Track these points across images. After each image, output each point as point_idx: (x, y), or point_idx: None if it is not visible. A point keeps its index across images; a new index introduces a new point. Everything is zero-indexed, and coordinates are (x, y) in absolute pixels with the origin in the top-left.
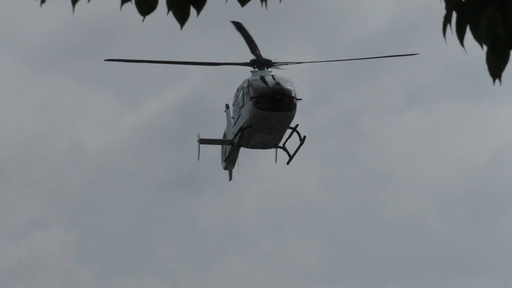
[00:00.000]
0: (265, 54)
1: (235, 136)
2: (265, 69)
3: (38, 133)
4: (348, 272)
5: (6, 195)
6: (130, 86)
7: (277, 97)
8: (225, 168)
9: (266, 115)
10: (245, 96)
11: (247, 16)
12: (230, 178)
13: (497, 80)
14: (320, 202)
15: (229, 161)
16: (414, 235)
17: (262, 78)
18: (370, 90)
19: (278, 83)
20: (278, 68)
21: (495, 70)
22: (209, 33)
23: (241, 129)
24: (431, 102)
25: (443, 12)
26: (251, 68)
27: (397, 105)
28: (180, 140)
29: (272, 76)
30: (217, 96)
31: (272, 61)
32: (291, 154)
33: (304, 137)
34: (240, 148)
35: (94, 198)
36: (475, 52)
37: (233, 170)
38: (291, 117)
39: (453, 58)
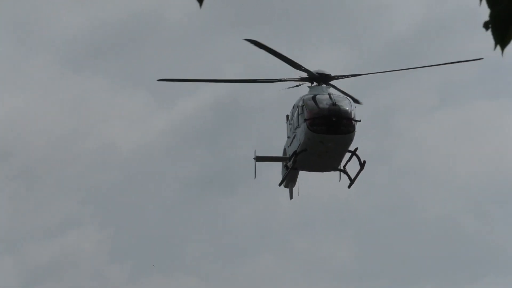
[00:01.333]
0: (300, 58)
1: (289, 160)
2: (323, 85)
3: (72, 131)
4: (381, 272)
5: (40, 193)
6: (164, 85)
7: (334, 119)
8: (286, 186)
9: (321, 138)
10: (299, 116)
11: (277, 18)
12: (291, 197)
13: None
14: (354, 201)
15: (289, 180)
16: (448, 234)
17: (318, 97)
18: (403, 89)
19: (334, 103)
20: (338, 80)
21: None
22: (241, 34)
23: (295, 153)
24: (464, 101)
25: (474, 10)
26: (308, 84)
27: (430, 104)
28: (212, 140)
29: (329, 94)
30: (251, 94)
31: (331, 75)
32: (352, 177)
33: (364, 162)
34: (297, 171)
35: (127, 196)
36: (508, 52)
37: (294, 189)
38: (349, 141)
39: (485, 57)
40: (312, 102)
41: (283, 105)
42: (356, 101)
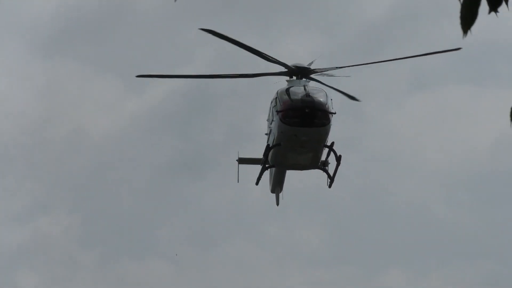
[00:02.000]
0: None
1: (263, 155)
2: (303, 79)
3: (41, 117)
4: (352, 257)
5: (9, 179)
6: (134, 70)
7: (307, 110)
8: (272, 191)
9: (295, 131)
10: (273, 109)
11: (250, 4)
12: (277, 203)
13: None
14: (325, 187)
15: (276, 184)
16: (418, 221)
17: (292, 89)
18: (373, 75)
19: (308, 95)
20: (320, 75)
21: None
22: (217, 19)
23: (267, 148)
24: (434, 88)
25: None
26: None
27: (400, 90)
28: (183, 126)
29: (304, 86)
30: (222, 81)
31: (311, 68)
32: (331, 176)
33: (340, 156)
34: (282, 170)
35: (97, 182)
36: (476, 37)
37: (280, 194)
38: (324, 134)
39: (454, 44)
40: (285, 95)
41: (256, 90)
42: (353, 98)
